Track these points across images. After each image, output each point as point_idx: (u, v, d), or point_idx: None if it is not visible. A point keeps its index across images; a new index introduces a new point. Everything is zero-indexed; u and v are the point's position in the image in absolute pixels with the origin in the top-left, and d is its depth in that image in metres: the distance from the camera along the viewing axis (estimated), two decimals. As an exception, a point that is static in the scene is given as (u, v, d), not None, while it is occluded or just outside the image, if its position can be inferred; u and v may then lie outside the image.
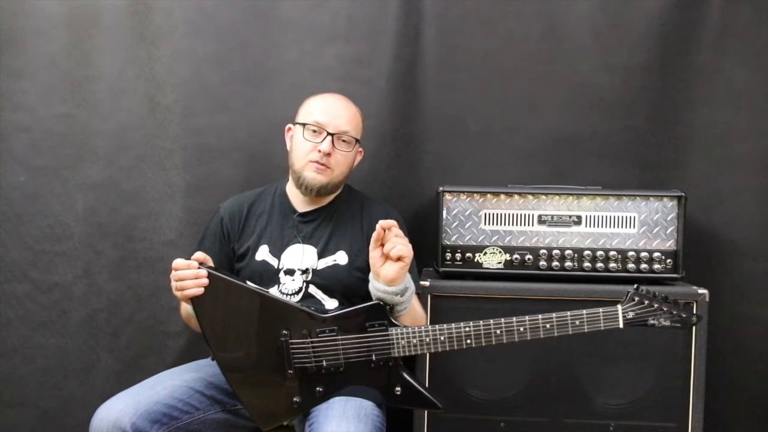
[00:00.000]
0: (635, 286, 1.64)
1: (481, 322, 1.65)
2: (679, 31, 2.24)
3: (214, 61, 2.31)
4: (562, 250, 1.99)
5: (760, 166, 2.24)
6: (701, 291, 1.90)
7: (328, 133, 1.84)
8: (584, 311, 1.64)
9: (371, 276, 1.72)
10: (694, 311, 1.88)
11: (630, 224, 1.99)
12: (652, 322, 1.64)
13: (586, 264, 1.98)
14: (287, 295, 1.84)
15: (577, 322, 1.64)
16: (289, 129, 1.96)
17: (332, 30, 2.31)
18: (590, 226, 2.00)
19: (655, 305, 1.64)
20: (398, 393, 1.67)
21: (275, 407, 1.68)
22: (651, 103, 2.26)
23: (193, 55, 2.31)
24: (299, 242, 1.89)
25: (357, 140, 1.92)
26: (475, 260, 2.01)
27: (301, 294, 1.84)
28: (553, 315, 1.64)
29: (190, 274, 1.66)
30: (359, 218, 1.93)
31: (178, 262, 1.67)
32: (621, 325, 1.64)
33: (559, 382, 1.94)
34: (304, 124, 1.87)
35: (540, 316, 1.64)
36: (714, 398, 2.02)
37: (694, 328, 1.88)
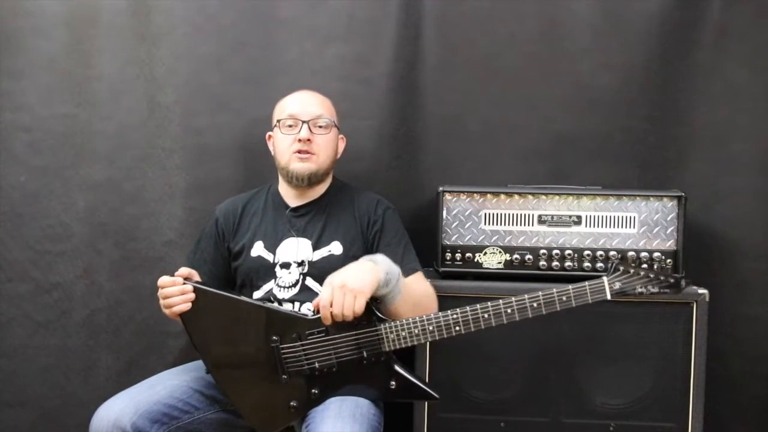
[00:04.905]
0: (620, 255, 1.60)
1: (468, 307, 1.65)
2: (679, 31, 2.24)
3: (214, 61, 2.31)
4: (562, 250, 1.99)
5: (760, 166, 2.23)
6: (701, 291, 1.90)
7: (303, 122, 1.88)
8: (570, 286, 1.63)
9: None
10: (694, 311, 1.88)
11: (630, 224, 1.99)
12: (640, 290, 1.59)
13: (586, 264, 1.98)
14: (284, 288, 1.85)
15: (564, 298, 1.62)
16: (270, 137, 2.01)
17: (332, 30, 2.30)
18: (590, 226, 1.99)
19: (642, 273, 1.59)
20: (393, 387, 1.67)
21: (274, 414, 1.68)
22: (651, 103, 2.25)
23: (193, 55, 2.31)
24: (293, 236, 1.90)
25: (335, 124, 1.95)
26: (475, 260, 2.01)
27: (298, 287, 1.85)
28: (540, 293, 1.63)
29: (176, 291, 1.66)
30: (351, 208, 1.95)
31: (163, 280, 1.68)
32: (608, 297, 1.61)
33: (559, 382, 1.93)
34: (279, 121, 1.92)
35: (526, 296, 1.63)
36: (714, 398, 2.01)
37: (694, 328, 1.88)
